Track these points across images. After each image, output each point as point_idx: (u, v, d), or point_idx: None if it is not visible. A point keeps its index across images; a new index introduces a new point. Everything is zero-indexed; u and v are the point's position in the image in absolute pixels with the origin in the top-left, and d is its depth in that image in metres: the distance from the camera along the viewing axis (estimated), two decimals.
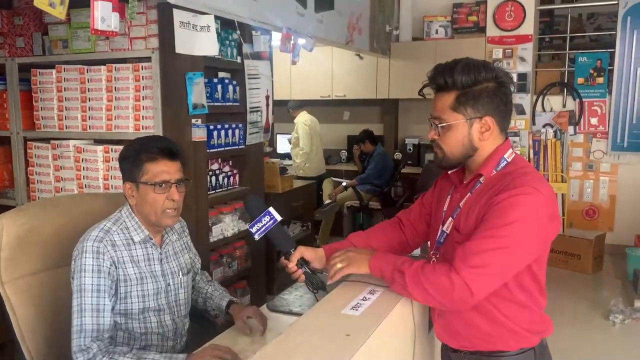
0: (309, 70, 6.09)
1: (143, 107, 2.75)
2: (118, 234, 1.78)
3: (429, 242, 1.84)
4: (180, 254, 1.96)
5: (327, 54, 6.22)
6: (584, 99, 5.25)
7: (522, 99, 5.36)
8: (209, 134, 2.98)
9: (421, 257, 2.10)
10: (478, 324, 1.53)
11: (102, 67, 2.83)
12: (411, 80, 5.84)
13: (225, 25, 3.06)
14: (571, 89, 5.30)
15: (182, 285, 1.93)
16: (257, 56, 3.42)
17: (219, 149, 3.11)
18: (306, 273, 1.69)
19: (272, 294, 3.76)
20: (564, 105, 5.36)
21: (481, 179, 1.53)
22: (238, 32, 3.12)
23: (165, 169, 1.76)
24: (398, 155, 6.25)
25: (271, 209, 1.66)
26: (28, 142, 3.11)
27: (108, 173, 2.87)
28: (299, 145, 5.99)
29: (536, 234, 1.42)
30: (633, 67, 5.06)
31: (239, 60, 3.26)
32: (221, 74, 3.29)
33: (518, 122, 5.38)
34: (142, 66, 2.73)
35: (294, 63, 3.78)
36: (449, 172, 1.64)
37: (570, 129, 5.33)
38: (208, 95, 2.95)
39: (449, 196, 1.64)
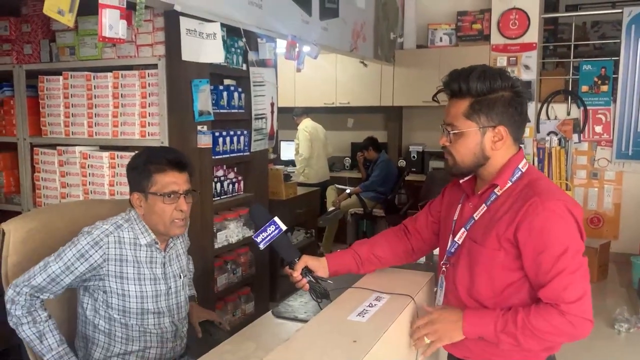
0: (313, 77, 6.10)
1: (149, 113, 2.77)
2: (128, 231, 1.81)
3: (434, 251, 1.84)
4: (181, 256, 2.00)
5: (331, 61, 6.24)
6: (588, 107, 5.25)
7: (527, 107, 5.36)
8: (214, 141, 3.00)
9: (426, 264, 2.10)
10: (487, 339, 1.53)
11: (109, 74, 2.85)
12: (415, 88, 5.90)
13: (231, 32, 3.07)
14: (575, 97, 5.30)
15: (182, 288, 1.96)
16: (262, 63, 3.44)
17: (224, 156, 3.12)
18: (310, 282, 1.69)
19: (275, 300, 3.76)
20: (569, 113, 5.36)
21: (496, 190, 1.51)
22: (244, 39, 3.14)
23: (174, 180, 1.79)
24: (402, 163, 6.24)
25: (276, 219, 1.66)
26: (34, 148, 3.13)
27: (114, 179, 2.88)
28: (299, 152, 6.03)
29: (581, 243, 1.45)
30: (637, 75, 5.06)
31: (244, 67, 3.28)
32: (227, 81, 3.31)
33: None
34: (148, 73, 2.75)
35: (298, 70, 3.80)
36: (461, 182, 1.62)
37: (575, 137, 5.32)
38: (214, 102, 2.96)
39: (460, 205, 1.63)
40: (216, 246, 3.08)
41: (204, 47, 2.73)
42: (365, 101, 6.35)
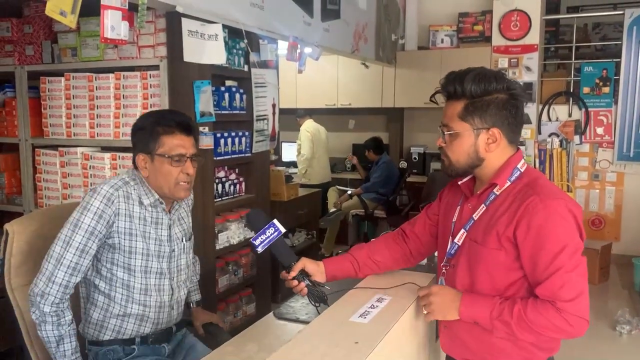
0: (314, 78, 6.11)
1: None
2: (134, 189, 1.81)
3: (435, 254, 1.84)
4: (185, 219, 2.00)
5: (332, 63, 6.24)
6: (589, 109, 5.25)
7: (528, 109, 5.36)
8: (216, 142, 3.00)
9: (427, 265, 2.10)
10: (487, 339, 1.53)
11: (111, 75, 2.85)
12: (417, 89, 5.90)
13: (233, 34, 3.08)
14: (577, 99, 5.30)
15: (185, 251, 1.97)
16: (264, 65, 3.44)
17: (225, 157, 3.12)
18: (308, 286, 1.68)
19: (277, 302, 3.76)
20: (570, 115, 5.36)
21: (495, 190, 1.52)
22: (245, 41, 3.14)
23: (181, 143, 1.80)
24: (403, 164, 6.24)
25: (275, 221, 1.65)
26: (36, 149, 3.13)
27: None
28: (301, 152, 6.04)
29: (580, 242, 1.45)
30: (639, 76, 5.06)
31: (246, 68, 3.28)
32: (228, 83, 3.31)
33: (524, 132, 5.30)
34: (150, 74, 2.75)
35: (300, 72, 3.80)
36: (459, 183, 1.63)
37: (576, 139, 5.32)
38: (215, 103, 2.97)
39: (458, 207, 1.64)
40: (217, 247, 3.08)
41: (206, 48, 2.74)
42: (366, 102, 6.35)
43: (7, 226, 1.87)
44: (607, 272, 4.80)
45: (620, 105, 5.14)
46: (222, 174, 3.22)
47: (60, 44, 3.00)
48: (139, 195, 1.82)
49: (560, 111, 5.40)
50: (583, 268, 1.42)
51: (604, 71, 5.20)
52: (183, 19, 2.61)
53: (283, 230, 1.66)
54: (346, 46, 4.66)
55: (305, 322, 1.79)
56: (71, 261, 1.71)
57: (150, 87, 2.76)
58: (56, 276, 1.70)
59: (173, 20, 2.64)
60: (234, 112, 3.20)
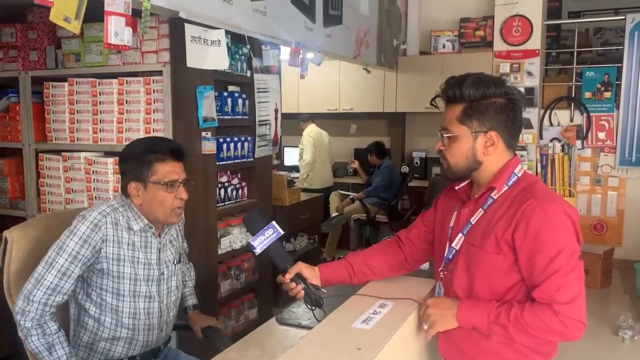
0: (316, 83, 6.12)
1: (154, 120, 2.78)
2: (123, 215, 1.84)
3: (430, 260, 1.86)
4: (175, 241, 2.02)
5: (334, 68, 6.26)
6: (591, 114, 5.24)
7: (530, 113, 5.36)
8: (219, 147, 3.00)
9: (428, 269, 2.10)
10: (483, 343, 1.54)
11: (114, 81, 2.86)
12: (418, 94, 5.91)
13: (236, 39, 3.09)
14: (579, 104, 5.30)
15: (174, 273, 1.99)
16: (266, 70, 3.45)
17: (228, 162, 3.12)
18: (305, 289, 1.69)
19: (278, 307, 3.76)
20: (572, 120, 5.36)
21: (493, 194, 1.54)
22: (248, 46, 3.15)
23: (174, 169, 1.84)
24: (405, 169, 6.26)
25: (274, 222, 1.65)
26: (39, 154, 3.14)
27: (118, 185, 2.89)
28: (303, 157, 6.05)
29: (577, 246, 1.46)
30: None
31: (248, 74, 3.29)
32: (231, 88, 3.32)
33: (525, 136, 5.37)
34: (153, 80, 2.77)
35: (302, 77, 3.81)
36: (456, 188, 1.65)
37: (578, 143, 5.31)
38: (218, 108, 2.97)
39: (455, 212, 1.65)
40: (220, 252, 3.09)
41: (209, 54, 2.75)
42: (368, 107, 6.37)
43: (6, 233, 1.89)
44: (610, 277, 4.78)
45: (622, 110, 5.14)
46: (224, 178, 3.23)
47: (64, 49, 3.01)
48: (127, 221, 1.84)
49: (562, 116, 5.40)
50: (580, 271, 1.43)
51: (606, 76, 5.21)
52: (186, 25, 2.62)
53: (281, 232, 1.66)
54: (348, 51, 4.67)
55: (308, 328, 1.79)
56: (51, 282, 1.73)
57: (154, 92, 2.77)
58: (34, 295, 1.73)
59: (176, 26, 2.66)
60: (237, 117, 3.21)
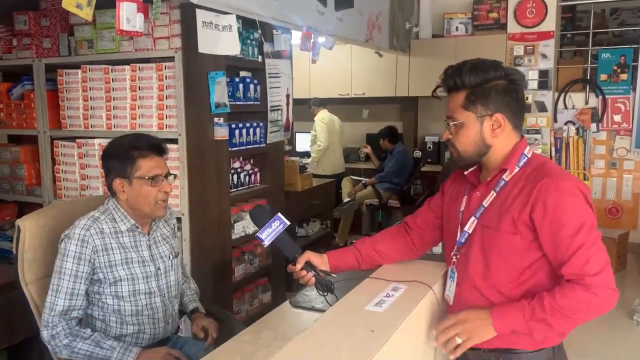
0: (328, 68, 6.09)
1: (166, 106, 2.79)
2: (106, 222, 1.88)
3: (441, 244, 1.86)
4: (169, 238, 2.06)
5: (346, 52, 6.22)
6: (607, 96, 5.17)
7: (544, 96, 5.30)
8: (231, 133, 3.02)
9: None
10: None
11: (126, 67, 2.87)
12: (431, 78, 5.73)
13: (247, 24, 3.08)
14: (594, 86, 5.22)
15: (172, 268, 2.03)
16: (277, 55, 3.44)
17: (240, 148, 3.14)
18: (316, 276, 1.72)
19: (292, 290, 3.78)
20: (587, 102, 5.29)
21: (504, 176, 1.55)
22: (259, 31, 3.14)
23: (156, 164, 1.89)
24: (418, 154, 6.23)
25: (280, 214, 1.68)
26: (54, 141, 3.17)
27: None
28: (316, 142, 6.03)
29: (595, 218, 1.48)
30: None
31: (260, 59, 3.29)
32: (242, 73, 3.32)
33: (539, 120, 5.32)
34: (165, 66, 2.77)
35: (314, 61, 3.79)
36: (465, 173, 1.66)
37: (593, 126, 5.25)
38: (230, 94, 2.98)
39: (465, 196, 1.66)
40: (233, 237, 3.11)
41: (220, 39, 2.74)
42: (380, 92, 6.32)
43: (19, 221, 1.94)
44: (625, 260, 4.75)
45: (638, 92, 5.06)
46: (237, 164, 3.25)
47: (76, 36, 3.02)
48: (113, 225, 1.89)
49: (577, 99, 5.33)
50: (601, 242, 1.45)
51: (622, 57, 5.12)
52: (197, 10, 2.62)
53: (288, 222, 1.69)
54: (360, 35, 4.63)
55: (321, 311, 1.81)
56: (63, 305, 1.80)
57: (166, 78, 2.78)
58: (52, 320, 1.80)
59: (187, 12, 2.65)
60: (248, 102, 3.21)
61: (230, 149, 3.02)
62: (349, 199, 5.78)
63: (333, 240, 5.41)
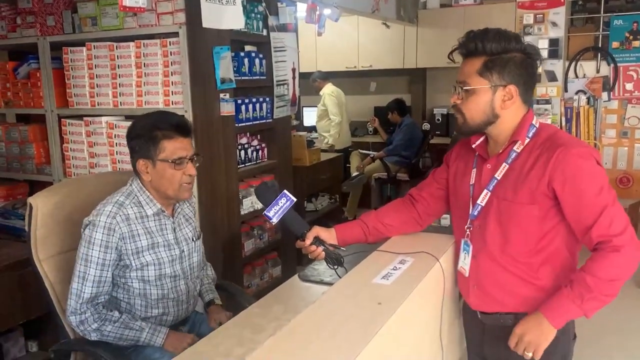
0: (334, 41, 6.02)
1: (172, 82, 2.78)
2: (132, 207, 1.85)
3: (449, 217, 1.86)
4: (191, 219, 2.05)
5: (352, 24, 6.14)
6: (619, 64, 5.07)
7: (554, 65, 5.21)
8: (237, 108, 3.00)
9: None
10: (518, 291, 1.58)
11: (131, 44, 2.85)
12: (440, 48, 5.74)
13: None
14: (605, 54, 5.12)
15: (195, 250, 2.03)
16: (282, 28, 3.40)
17: (247, 123, 3.13)
18: (325, 250, 1.73)
19: (302, 264, 3.82)
20: (598, 71, 5.19)
21: (516, 147, 1.55)
22: (263, 4, 3.10)
23: (181, 146, 1.83)
24: (426, 126, 6.19)
25: (286, 191, 1.68)
26: (62, 120, 3.18)
27: None
28: (325, 117, 5.98)
29: (607, 178, 1.52)
30: None
31: (264, 33, 3.25)
32: (247, 48, 3.29)
33: (549, 89, 5.24)
34: (169, 42, 2.75)
35: (319, 34, 3.75)
36: (473, 145, 1.65)
37: (604, 95, 5.17)
38: (235, 69, 2.96)
39: (474, 169, 1.65)
40: (242, 212, 3.13)
41: (224, 14, 2.71)
42: (388, 64, 6.26)
43: (31, 199, 1.94)
44: (636, 230, 4.72)
45: None
46: (244, 140, 3.24)
47: (80, 13, 3.00)
48: (139, 209, 1.86)
49: (588, 67, 5.23)
50: (617, 200, 1.49)
51: (635, 24, 5.01)
52: None
53: (294, 199, 1.69)
54: (366, 6, 4.57)
55: (330, 284, 1.83)
56: (90, 293, 1.79)
57: (171, 54, 2.76)
58: (80, 307, 1.78)
59: None
60: (254, 77, 3.19)
61: (237, 124, 3.01)
62: (357, 173, 5.77)
63: (342, 214, 5.43)
